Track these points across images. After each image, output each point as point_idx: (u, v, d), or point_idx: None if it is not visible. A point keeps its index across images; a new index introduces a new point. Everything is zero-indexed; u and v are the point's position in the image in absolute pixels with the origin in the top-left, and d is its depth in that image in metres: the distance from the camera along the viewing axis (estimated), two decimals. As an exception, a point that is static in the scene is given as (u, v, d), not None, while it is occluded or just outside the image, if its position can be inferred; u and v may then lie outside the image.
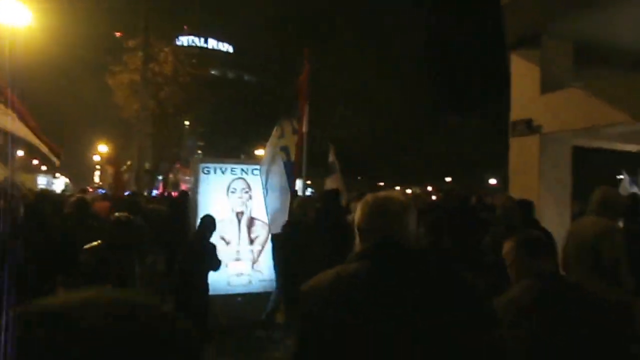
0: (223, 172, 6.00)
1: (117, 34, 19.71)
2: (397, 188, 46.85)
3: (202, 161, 6.12)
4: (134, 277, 3.52)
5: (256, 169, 6.19)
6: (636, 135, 8.64)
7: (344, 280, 1.50)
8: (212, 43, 76.56)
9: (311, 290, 1.53)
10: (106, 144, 34.38)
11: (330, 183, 9.19)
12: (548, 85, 7.98)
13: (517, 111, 8.38)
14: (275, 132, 6.24)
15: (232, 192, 6.01)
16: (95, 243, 3.49)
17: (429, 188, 42.01)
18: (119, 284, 3.26)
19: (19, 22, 7.75)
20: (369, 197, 1.72)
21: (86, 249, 3.45)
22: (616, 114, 6.89)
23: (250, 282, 6.01)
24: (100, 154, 38.52)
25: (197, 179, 5.88)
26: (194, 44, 74.09)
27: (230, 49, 76.19)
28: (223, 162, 6.12)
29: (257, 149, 48.91)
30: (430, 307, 1.44)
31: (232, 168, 6.07)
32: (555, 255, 2.48)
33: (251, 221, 6.08)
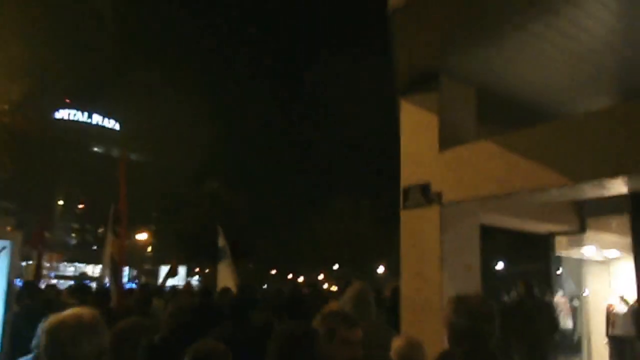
0: None
1: None
2: (290, 276, 44.15)
3: None
4: None
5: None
6: (557, 210, 6.80)
7: None
8: (97, 119, 71.84)
9: None
10: None
11: (224, 270, 8.74)
12: (448, 139, 5.92)
13: (410, 173, 6.16)
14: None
15: None
16: None
17: (321, 276, 39.64)
18: None
19: None
20: (47, 321, 1.72)
21: None
22: (543, 176, 4.83)
23: None
24: None
25: None
26: (75, 119, 68.88)
27: (117, 126, 71.51)
28: None
29: (139, 232, 44.37)
30: None
31: None
32: None
33: None
